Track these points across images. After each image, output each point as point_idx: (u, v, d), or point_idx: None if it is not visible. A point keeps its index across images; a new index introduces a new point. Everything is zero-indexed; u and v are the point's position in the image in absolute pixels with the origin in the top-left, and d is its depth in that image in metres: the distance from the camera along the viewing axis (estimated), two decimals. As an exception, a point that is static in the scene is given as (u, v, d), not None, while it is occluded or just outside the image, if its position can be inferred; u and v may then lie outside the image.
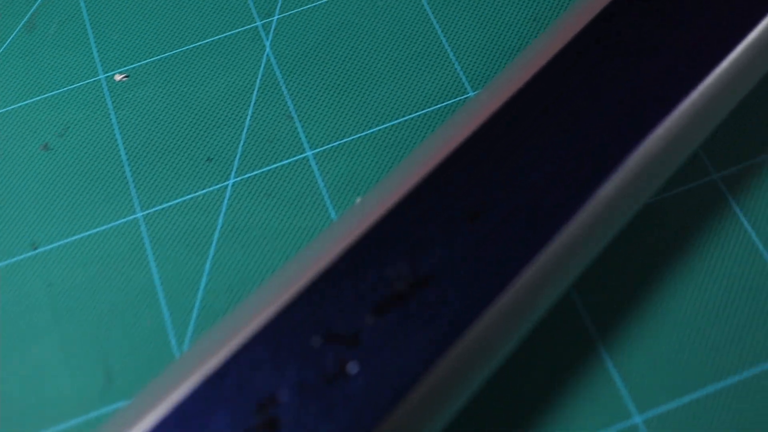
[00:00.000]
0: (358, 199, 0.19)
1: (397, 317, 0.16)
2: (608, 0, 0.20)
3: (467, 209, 0.17)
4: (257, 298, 0.16)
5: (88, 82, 0.22)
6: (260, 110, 0.22)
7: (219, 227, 0.20)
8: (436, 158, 0.18)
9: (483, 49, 0.22)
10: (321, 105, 0.22)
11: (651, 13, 0.19)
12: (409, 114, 0.21)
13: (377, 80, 0.22)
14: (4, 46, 0.23)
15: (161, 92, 0.22)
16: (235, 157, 0.21)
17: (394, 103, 0.21)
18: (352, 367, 0.15)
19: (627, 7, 0.20)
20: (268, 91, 0.22)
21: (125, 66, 0.23)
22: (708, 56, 0.19)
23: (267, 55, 0.22)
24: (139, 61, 0.23)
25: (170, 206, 0.20)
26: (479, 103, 0.19)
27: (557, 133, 0.18)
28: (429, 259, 0.16)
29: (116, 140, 0.21)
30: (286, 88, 0.22)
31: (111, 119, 0.22)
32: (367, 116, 0.21)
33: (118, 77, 0.22)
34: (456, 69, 0.22)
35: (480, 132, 0.18)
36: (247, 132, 0.21)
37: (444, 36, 0.22)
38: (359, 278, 0.16)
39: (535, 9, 0.23)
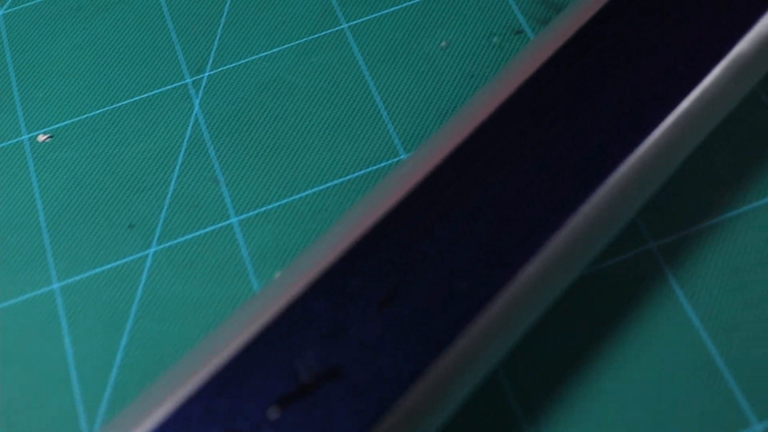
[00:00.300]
0: (278, 274, 0.18)
1: (302, 411, 0.15)
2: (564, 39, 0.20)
3: (382, 291, 0.16)
4: (157, 390, 0.15)
5: (10, 143, 0.22)
6: (186, 173, 0.21)
7: (138, 299, 0.19)
8: (351, 235, 0.17)
9: (418, 108, 0.21)
10: (249, 168, 0.21)
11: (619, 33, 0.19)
12: (338, 178, 0.21)
13: (307, 141, 0.21)
14: (-73, 104, 0.22)
15: (85, 154, 0.21)
16: (157, 224, 0.20)
17: (324, 166, 0.21)
18: (252, 467, 0.15)
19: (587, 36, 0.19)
20: (195, 152, 0.21)
21: (50, 126, 0.22)
22: (706, 55, 0.18)
23: (195, 114, 0.22)
24: (64, 121, 0.22)
25: (88, 277, 0.20)
26: (401, 174, 0.18)
27: (476, 209, 0.17)
28: (340, 348, 0.16)
29: (36, 205, 0.21)
30: (213, 149, 0.21)
31: (32, 182, 0.21)
32: (295, 180, 0.21)
33: (41, 138, 0.22)
34: (389, 129, 0.21)
35: (400, 204, 0.17)
36: (171, 197, 0.21)
37: (378, 94, 0.22)
38: (264, 369, 0.15)
39: (472, 66, 0.22)
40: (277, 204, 0.20)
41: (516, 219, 0.17)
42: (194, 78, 0.22)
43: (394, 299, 0.16)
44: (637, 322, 0.18)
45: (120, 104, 0.22)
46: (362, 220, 0.17)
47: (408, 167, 0.18)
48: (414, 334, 0.16)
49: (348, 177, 0.21)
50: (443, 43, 0.22)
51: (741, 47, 0.19)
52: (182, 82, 0.22)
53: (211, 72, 0.22)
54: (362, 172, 0.21)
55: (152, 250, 0.20)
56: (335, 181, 0.21)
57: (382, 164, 0.21)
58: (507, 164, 0.18)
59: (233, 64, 0.22)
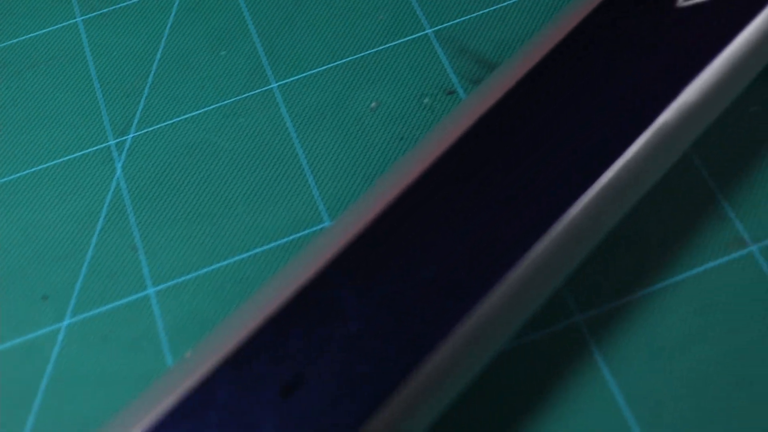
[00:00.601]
0: (188, 353, 0.17)
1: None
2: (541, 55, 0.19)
3: (286, 376, 0.16)
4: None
5: (-75, 209, 0.21)
6: (104, 241, 0.20)
7: (47, 375, 0.19)
8: (260, 315, 0.16)
9: (345, 172, 0.21)
10: (169, 235, 0.20)
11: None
12: (260, 246, 0.20)
13: (230, 207, 0.21)
14: None
15: (1, 220, 0.21)
16: (72, 294, 0.20)
17: (246, 234, 0.20)
18: None
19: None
20: (115, 218, 0.21)
21: (-33, 190, 0.21)
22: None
23: (117, 178, 0.21)
24: (-19, 185, 0.21)
25: (-3, 351, 0.19)
26: (315, 248, 0.17)
27: (391, 284, 0.16)
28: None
29: (-53, 275, 0.20)
30: (134, 215, 0.21)
31: (-55, 250, 0.20)
32: (216, 248, 0.20)
33: (-43, 203, 0.21)
34: (314, 195, 0.21)
35: (309, 283, 0.17)
36: (88, 265, 0.20)
37: (305, 157, 0.21)
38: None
39: (402, 128, 0.21)
40: (196, 274, 0.20)
41: (435, 292, 0.17)
42: (118, 140, 0.22)
43: (298, 386, 0.15)
44: (559, 399, 0.18)
45: (40, 167, 0.21)
46: (269, 301, 0.16)
47: (323, 240, 0.17)
48: (317, 424, 0.15)
49: (270, 245, 0.20)
50: (373, 104, 0.22)
51: (665, 116, 0.18)
52: (105, 144, 0.22)
53: (136, 133, 0.22)
54: (284, 240, 0.20)
55: (66, 322, 0.19)
56: (256, 250, 0.20)
57: (305, 232, 0.20)
58: (428, 232, 0.17)
59: (159, 125, 0.22)
